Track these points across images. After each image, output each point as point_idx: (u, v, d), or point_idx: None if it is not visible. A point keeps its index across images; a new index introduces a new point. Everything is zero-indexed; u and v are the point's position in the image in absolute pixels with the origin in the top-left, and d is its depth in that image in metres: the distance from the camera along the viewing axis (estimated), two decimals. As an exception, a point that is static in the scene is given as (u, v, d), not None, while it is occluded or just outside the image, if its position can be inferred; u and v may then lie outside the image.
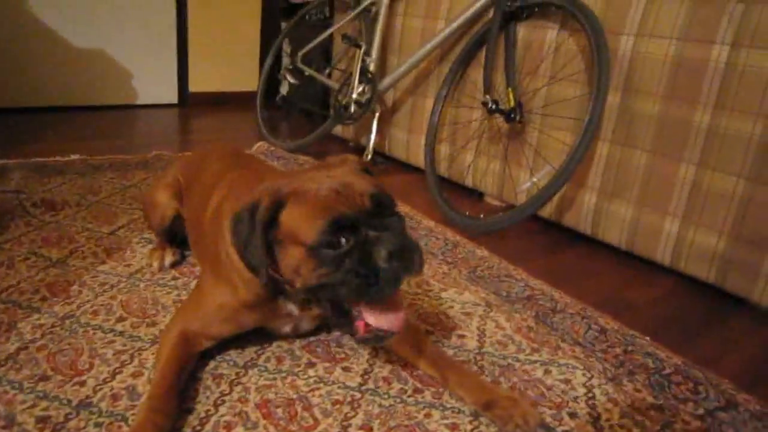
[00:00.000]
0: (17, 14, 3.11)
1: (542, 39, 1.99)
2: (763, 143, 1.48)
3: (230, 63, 4.01)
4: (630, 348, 1.28)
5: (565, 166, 1.70)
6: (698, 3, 1.58)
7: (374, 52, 2.46)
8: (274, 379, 1.07)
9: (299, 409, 1.00)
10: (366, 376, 1.11)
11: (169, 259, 1.47)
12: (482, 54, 2.14)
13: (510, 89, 1.95)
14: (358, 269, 0.90)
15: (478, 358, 1.20)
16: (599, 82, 1.67)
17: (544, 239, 1.97)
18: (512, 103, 1.93)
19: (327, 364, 1.13)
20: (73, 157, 2.30)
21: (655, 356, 1.26)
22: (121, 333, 1.17)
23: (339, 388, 1.07)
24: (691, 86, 1.61)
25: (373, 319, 0.95)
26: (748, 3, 1.49)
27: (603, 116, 1.81)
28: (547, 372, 1.17)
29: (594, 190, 1.89)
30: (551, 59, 1.96)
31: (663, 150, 1.69)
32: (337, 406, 1.02)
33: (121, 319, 1.21)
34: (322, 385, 1.07)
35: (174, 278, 1.42)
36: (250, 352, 1.15)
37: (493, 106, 1.96)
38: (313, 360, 1.14)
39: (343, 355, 1.16)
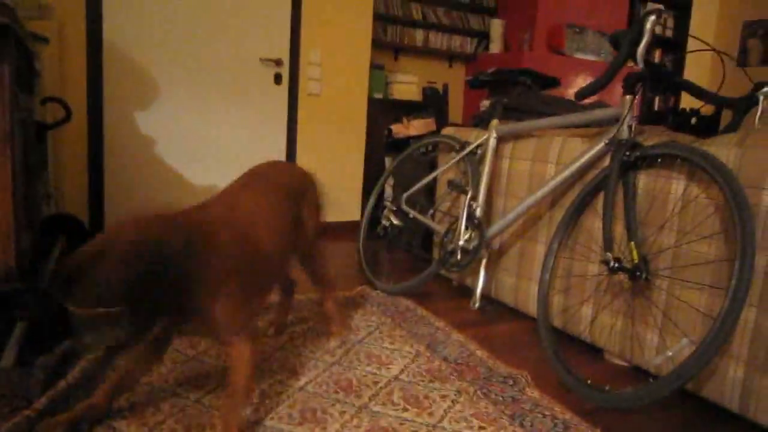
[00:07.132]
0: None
1: (667, 191, 1.85)
2: None
3: (334, 194, 4.13)
4: None
5: (712, 339, 1.48)
6: None
7: (481, 197, 2.41)
8: None
9: None
10: None
11: None
12: (597, 202, 2.02)
13: (632, 244, 1.80)
14: None
15: None
16: (744, 244, 1.49)
17: (680, 416, 1.71)
18: (636, 260, 1.77)
19: None
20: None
21: None
22: None
23: None
24: None
25: None
26: None
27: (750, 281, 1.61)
28: None
29: (740, 361, 1.64)
30: (678, 214, 1.81)
31: (829, 324, 1.45)
32: None
33: None
34: None
35: None
36: None
37: (616, 265, 1.80)
38: None
39: None
